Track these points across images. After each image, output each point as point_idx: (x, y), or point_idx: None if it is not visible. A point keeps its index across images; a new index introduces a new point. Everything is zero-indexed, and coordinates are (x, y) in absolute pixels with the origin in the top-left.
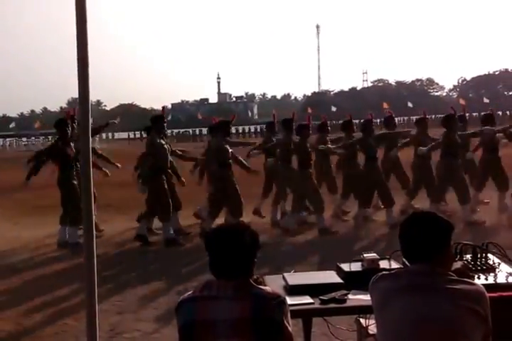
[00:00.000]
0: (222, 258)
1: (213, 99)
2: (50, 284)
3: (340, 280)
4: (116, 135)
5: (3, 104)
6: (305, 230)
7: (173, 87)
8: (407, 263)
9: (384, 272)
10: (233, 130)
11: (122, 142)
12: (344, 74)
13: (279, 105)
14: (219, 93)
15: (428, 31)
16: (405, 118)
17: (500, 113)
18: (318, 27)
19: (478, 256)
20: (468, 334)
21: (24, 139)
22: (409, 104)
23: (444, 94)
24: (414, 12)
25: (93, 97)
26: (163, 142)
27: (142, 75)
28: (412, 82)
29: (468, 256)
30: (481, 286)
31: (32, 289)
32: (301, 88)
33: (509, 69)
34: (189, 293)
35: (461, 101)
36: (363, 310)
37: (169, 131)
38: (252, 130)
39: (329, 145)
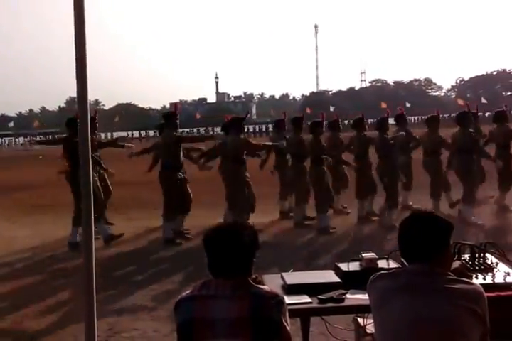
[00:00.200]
0: (221, 257)
1: (211, 98)
2: (48, 284)
3: (339, 280)
4: (115, 135)
5: (2, 104)
6: (304, 230)
7: (172, 87)
8: (405, 262)
9: (382, 271)
10: None
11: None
12: (342, 74)
13: (277, 105)
14: (217, 93)
15: (426, 31)
16: None
17: None
18: (316, 27)
19: (477, 255)
20: (466, 334)
21: (21, 139)
22: (407, 104)
23: (442, 94)
24: (413, 12)
25: (91, 97)
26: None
27: (140, 75)
28: (410, 82)
29: (467, 256)
30: (479, 286)
31: (30, 288)
32: (299, 88)
33: (507, 70)
34: (187, 292)
35: (460, 102)
36: (361, 310)
37: None
38: (251, 130)
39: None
